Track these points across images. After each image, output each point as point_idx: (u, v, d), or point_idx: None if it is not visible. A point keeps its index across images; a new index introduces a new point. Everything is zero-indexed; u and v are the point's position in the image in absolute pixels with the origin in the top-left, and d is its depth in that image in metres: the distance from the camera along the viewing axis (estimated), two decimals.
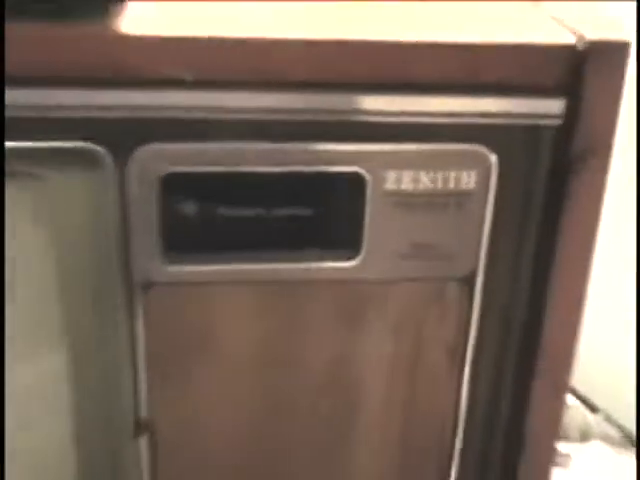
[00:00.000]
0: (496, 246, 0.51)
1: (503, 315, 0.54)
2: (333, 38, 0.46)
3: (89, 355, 0.52)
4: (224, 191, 0.49)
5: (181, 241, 0.49)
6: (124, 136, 0.46)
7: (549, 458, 0.56)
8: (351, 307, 0.52)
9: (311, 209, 0.49)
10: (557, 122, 0.48)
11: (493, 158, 0.49)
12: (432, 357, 0.54)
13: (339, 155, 0.48)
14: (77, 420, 0.54)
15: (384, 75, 0.46)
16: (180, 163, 0.47)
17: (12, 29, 0.43)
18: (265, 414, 0.55)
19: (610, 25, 0.49)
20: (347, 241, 0.50)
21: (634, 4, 0.91)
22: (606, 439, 1.06)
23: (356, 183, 0.48)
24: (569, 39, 0.47)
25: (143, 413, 0.53)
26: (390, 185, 0.48)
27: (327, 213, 0.50)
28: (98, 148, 0.46)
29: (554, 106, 0.48)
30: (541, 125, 0.49)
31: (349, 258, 0.50)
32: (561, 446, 0.83)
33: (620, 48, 0.47)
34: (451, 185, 0.49)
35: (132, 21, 0.46)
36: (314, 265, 0.50)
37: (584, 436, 1.03)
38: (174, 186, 0.47)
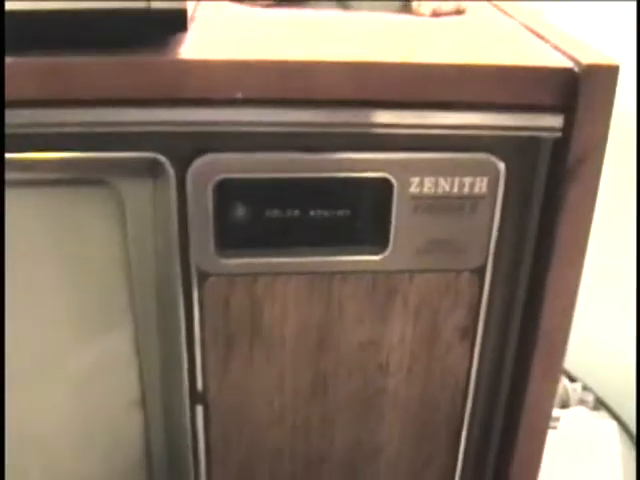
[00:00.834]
0: (503, 242, 0.54)
1: (508, 301, 0.57)
2: (366, 61, 0.48)
3: (151, 335, 0.55)
4: (270, 195, 0.51)
5: (233, 238, 0.52)
6: (184, 148, 0.49)
7: (545, 423, 0.60)
8: (379, 294, 0.55)
9: (345, 210, 0.52)
10: (556, 135, 0.51)
11: (501, 166, 0.52)
12: (447, 336, 0.57)
13: (369, 163, 0.51)
14: (140, 392, 0.57)
15: (410, 94, 0.48)
16: (232, 171, 0.50)
17: (94, 59, 0.46)
18: (306, 388, 0.58)
19: (598, 52, 0.51)
20: (376, 238, 0.53)
21: (634, 4, 0.90)
22: (582, 404, 1.11)
23: (384, 188, 0.51)
24: (567, 63, 0.49)
25: (199, 386, 0.56)
26: (414, 189, 0.51)
27: (359, 214, 0.53)
28: (162, 158, 0.49)
29: (554, 121, 0.50)
30: (542, 137, 0.51)
31: (377, 252, 0.53)
32: None
33: (611, 71, 0.49)
34: (466, 190, 0.52)
35: (191, 47, 0.48)
36: (347, 258, 0.53)
37: (564, 403, 1.08)
38: (227, 191, 0.50)
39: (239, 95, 0.47)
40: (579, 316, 0.57)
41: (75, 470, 0.62)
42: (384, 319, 0.56)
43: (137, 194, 0.51)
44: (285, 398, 0.58)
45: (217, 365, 0.56)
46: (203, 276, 0.53)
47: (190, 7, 0.48)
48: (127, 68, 0.46)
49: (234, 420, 0.58)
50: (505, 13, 0.64)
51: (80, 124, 0.47)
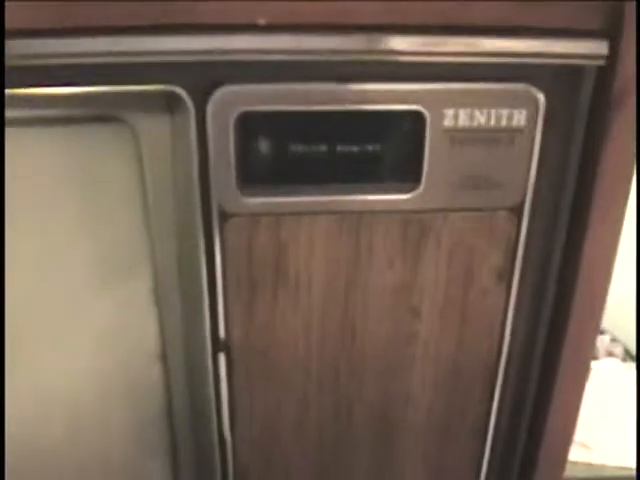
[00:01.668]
0: (542, 178, 0.52)
1: (547, 242, 0.55)
2: None
3: (172, 281, 0.53)
4: (295, 129, 0.48)
5: (255, 175, 0.49)
6: (202, 79, 0.46)
7: (585, 371, 0.57)
8: (411, 235, 0.52)
9: (374, 145, 0.49)
10: (600, 63, 0.48)
11: (541, 97, 0.49)
12: (482, 279, 0.54)
13: (400, 94, 0.48)
14: (161, 343, 0.55)
15: (443, 18, 0.46)
16: (254, 103, 0.47)
17: None
18: (334, 334, 0.55)
19: None
20: (407, 175, 0.50)
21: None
22: (611, 355, 1.08)
23: (416, 121, 0.49)
24: None
25: (221, 334, 0.54)
26: (447, 122, 0.49)
27: (389, 149, 0.50)
28: (179, 90, 0.46)
29: (598, 47, 0.47)
30: (585, 66, 0.49)
31: (409, 190, 0.50)
32: None
33: None
34: (503, 122, 0.49)
35: None
36: (377, 197, 0.51)
37: (593, 355, 1.05)
38: (249, 125, 0.48)
39: (261, 21, 0.45)
40: None
41: (98, 422, 0.60)
42: (416, 261, 0.53)
43: (154, 131, 0.48)
44: (312, 345, 0.55)
45: (240, 311, 0.53)
46: (225, 217, 0.50)
47: None
48: None
49: (258, 368, 0.56)
50: None
51: (91, 54, 0.44)
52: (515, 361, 0.59)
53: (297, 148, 0.49)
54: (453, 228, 0.52)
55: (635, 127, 0.50)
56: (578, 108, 0.51)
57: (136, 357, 0.57)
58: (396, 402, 0.59)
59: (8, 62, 0.43)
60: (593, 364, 1.02)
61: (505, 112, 0.49)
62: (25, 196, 0.50)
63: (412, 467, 0.61)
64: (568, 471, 0.62)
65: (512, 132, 0.49)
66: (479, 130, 0.49)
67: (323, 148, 0.49)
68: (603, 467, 0.91)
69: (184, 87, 0.46)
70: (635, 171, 0.50)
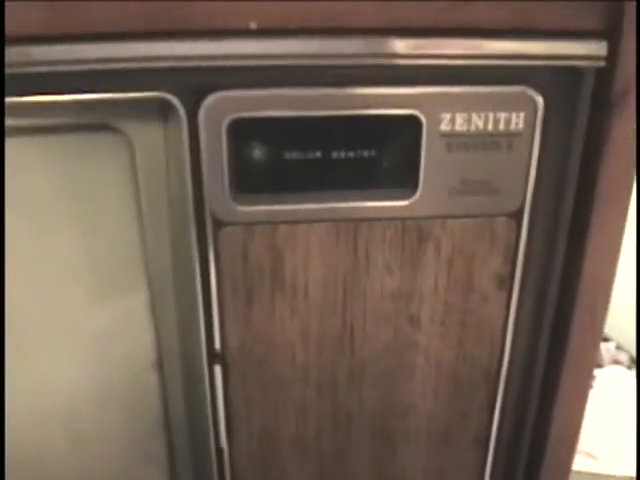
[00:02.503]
0: (541, 183, 0.50)
1: (547, 248, 0.53)
2: None
3: (168, 291, 0.52)
4: (289, 135, 0.47)
5: (249, 183, 0.48)
6: (194, 85, 0.45)
7: (587, 379, 0.56)
8: (409, 242, 0.51)
9: (371, 151, 0.48)
10: (600, 64, 0.47)
11: (539, 100, 0.48)
12: (482, 286, 0.53)
13: (396, 99, 0.47)
14: (157, 354, 0.54)
15: (439, 20, 0.45)
16: (247, 109, 0.46)
17: None
18: (332, 342, 0.54)
19: None
20: (404, 181, 0.49)
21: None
22: (617, 363, 1.07)
23: (413, 125, 0.47)
24: None
25: (217, 345, 0.52)
26: (444, 126, 0.47)
27: (385, 154, 0.48)
28: (171, 97, 0.45)
29: (597, 48, 0.46)
30: (584, 67, 0.47)
31: (406, 197, 0.49)
32: None
33: None
34: (501, 126, 0.48)
35: None
36: (374, 204, 0.49)
37: (598, 362, 1.04)
38: (242, 131, 0.46)
39: (253, 25, 0.44)
40: None
41: (96, 431, 0.59)
42: (415, 268, 0.52)
43: (147, 140, 0.47)
44: (309, 353, 0.54)
45: (236, 321, 0.52)
46: (219, 225, 0.49)
47: None
48: None
49: (255, 378, 0.54)
50: None
51: (82, 61, 0.43)
52: (516, 368, 0.57)
53: (291, 155, 0.47)
54: (452, 234, 0.50)
55: (635, 128, 0.48)
56: (577, 110, 0.49)
57: (133, 366, 0.56)
58: (396, 411, 0.57)
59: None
60: (599, 372, 1.01)
61: (503, 115, 0.47)
62: (18, 206, 0.49)
63: (412, 478, 0.60)
64: None
65: (510, 136, 0.48)
66: (476, 134, 0.48)
67: (318, 154, 0.48)
68: (609, 477, 0.89)
69: (175, 93, 0.45)
70: (636, 173, 0.49)
